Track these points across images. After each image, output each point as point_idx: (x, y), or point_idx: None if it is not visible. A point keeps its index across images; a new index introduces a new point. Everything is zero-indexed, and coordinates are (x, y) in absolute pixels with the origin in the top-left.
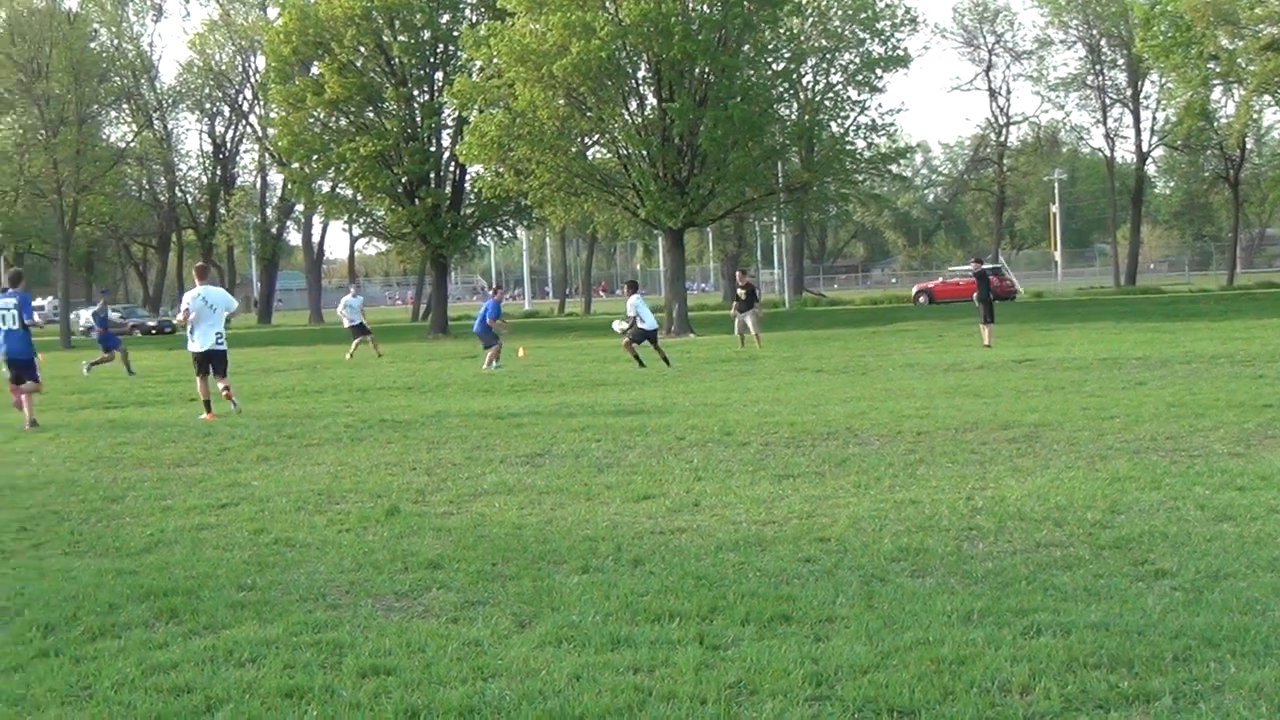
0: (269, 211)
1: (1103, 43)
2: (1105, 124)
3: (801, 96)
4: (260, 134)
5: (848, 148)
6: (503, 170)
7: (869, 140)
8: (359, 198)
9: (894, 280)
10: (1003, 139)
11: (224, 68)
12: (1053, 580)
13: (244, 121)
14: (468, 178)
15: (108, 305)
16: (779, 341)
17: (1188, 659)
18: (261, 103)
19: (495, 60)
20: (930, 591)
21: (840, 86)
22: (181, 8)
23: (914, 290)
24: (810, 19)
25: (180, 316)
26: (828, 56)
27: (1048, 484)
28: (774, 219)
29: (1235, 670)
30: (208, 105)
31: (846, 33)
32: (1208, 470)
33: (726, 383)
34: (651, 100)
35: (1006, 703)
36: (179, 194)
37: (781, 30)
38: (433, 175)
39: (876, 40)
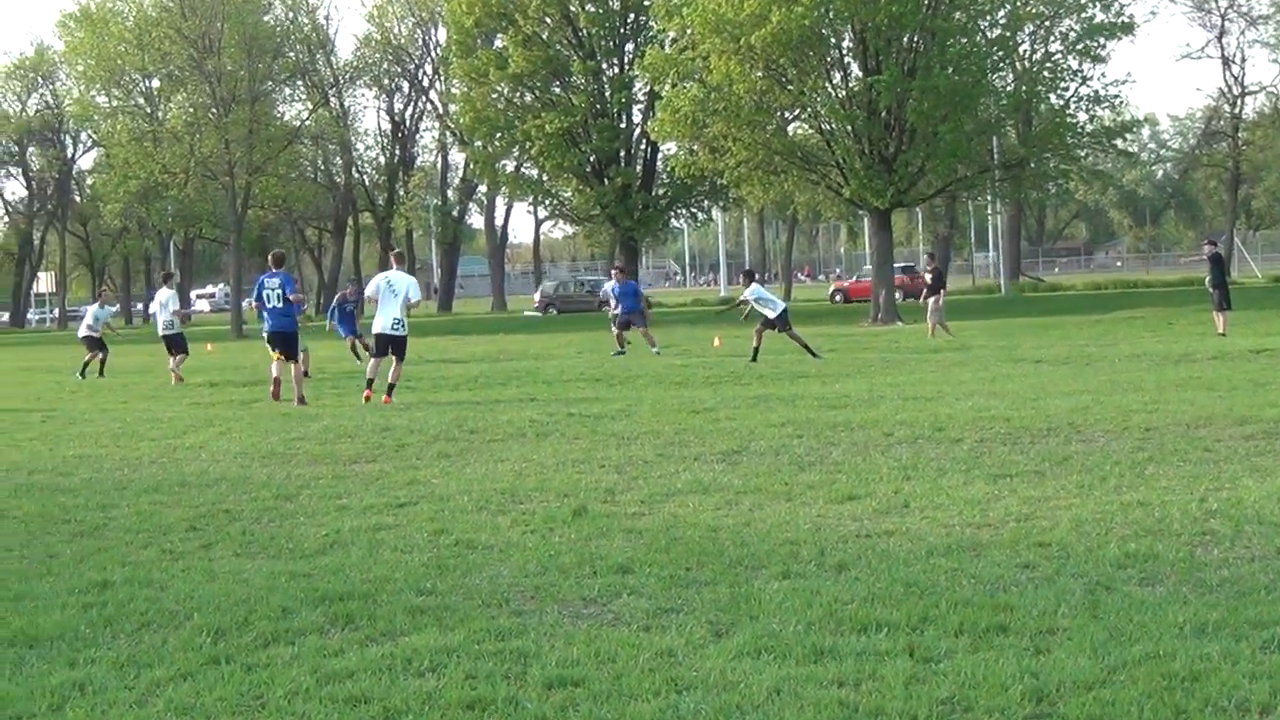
0: (450, 193)
1: None
2: None
3: (1018, 66)
4: (441, 111)
5: (1068, 121)
6: (697, 148)
7: (1091, 113)
8: (545, 178)
9: (1119, 264)
10: (1237, 111)
11: (403, 41)
12: None
13: (424, 98)
14: (660, 156)
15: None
16: (993, 330)
17: None
18: (442, 78)
19: (689, 31)
20: (1160, 601)
21: (1060, 55)
22: None
23: (831, 290)
24: None
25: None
26: (1046, 23)
27: None
28: (988, 198)
29: None
30: (386, 81)
31: None
32: None
33: (937, 374)
34: (856, 71)
35: None
36: (356, 175)
37: None
38: (623, 153)
39: (1099, 5)
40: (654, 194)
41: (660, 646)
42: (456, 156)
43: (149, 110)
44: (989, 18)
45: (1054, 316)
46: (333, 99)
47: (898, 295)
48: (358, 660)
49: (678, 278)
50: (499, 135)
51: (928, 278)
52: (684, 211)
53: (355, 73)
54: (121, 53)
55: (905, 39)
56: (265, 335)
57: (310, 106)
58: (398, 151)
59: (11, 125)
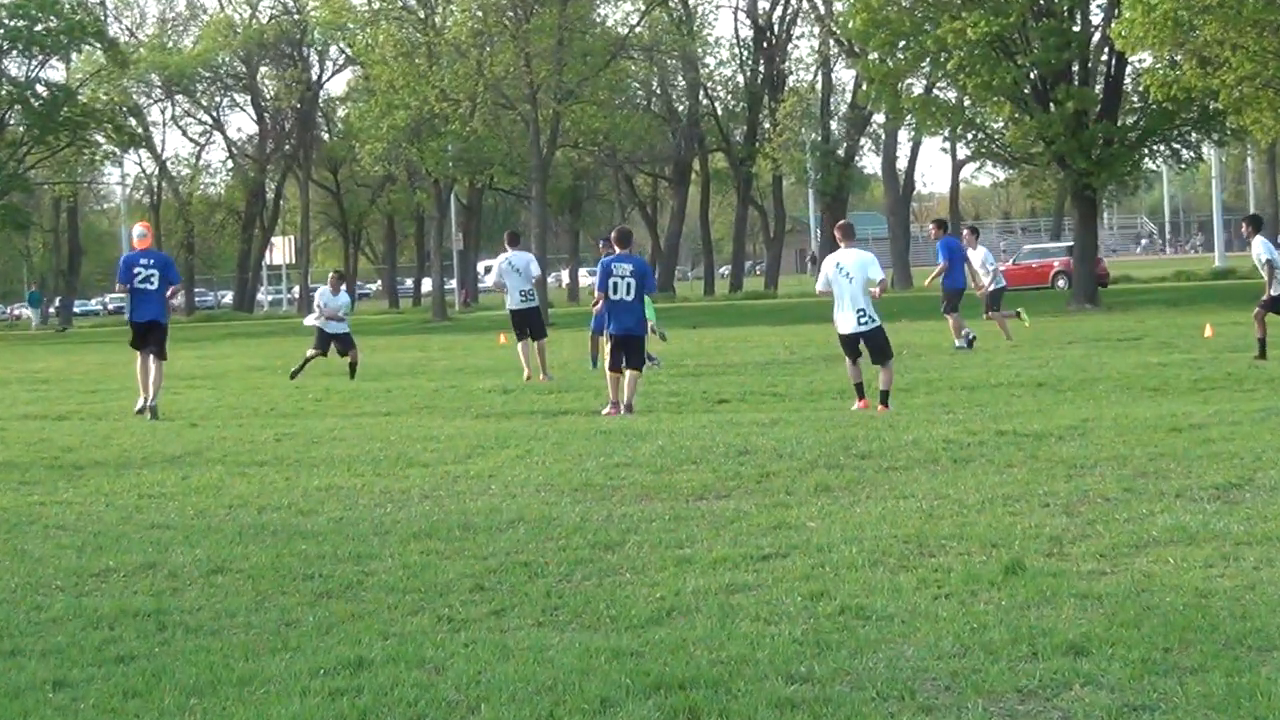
0: (833, 125)
1: None
2: None
3: None
4: (822, 11)
5: None
6: (1181, 59)
7: None
8: (966, 102)
9: None
10: None
11: None
12: None
13: None
14: (1128, 71)
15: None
16: None
17: None
18: None
19: None
20: None
21: None
22: None
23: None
24: None
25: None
26: None
27: None
28: None
29: None
30: None
31: None
32: None
33: None
34: None
35: None
36: (704, 101)
37: None
38: (1075, 68)
39: None
40: (1119, 124)
41: None
42: (843, 74)
43: (422, 15)
44: None
45: None
46: None
47: None
48: None
49: (1152, 241)
50: (903, 44)
51: None
52: (1161, 149)
53: None
54: None
55: None
56: (610, 335)
57: (642, 7)
58: (762, 68)
59: (238, 37)
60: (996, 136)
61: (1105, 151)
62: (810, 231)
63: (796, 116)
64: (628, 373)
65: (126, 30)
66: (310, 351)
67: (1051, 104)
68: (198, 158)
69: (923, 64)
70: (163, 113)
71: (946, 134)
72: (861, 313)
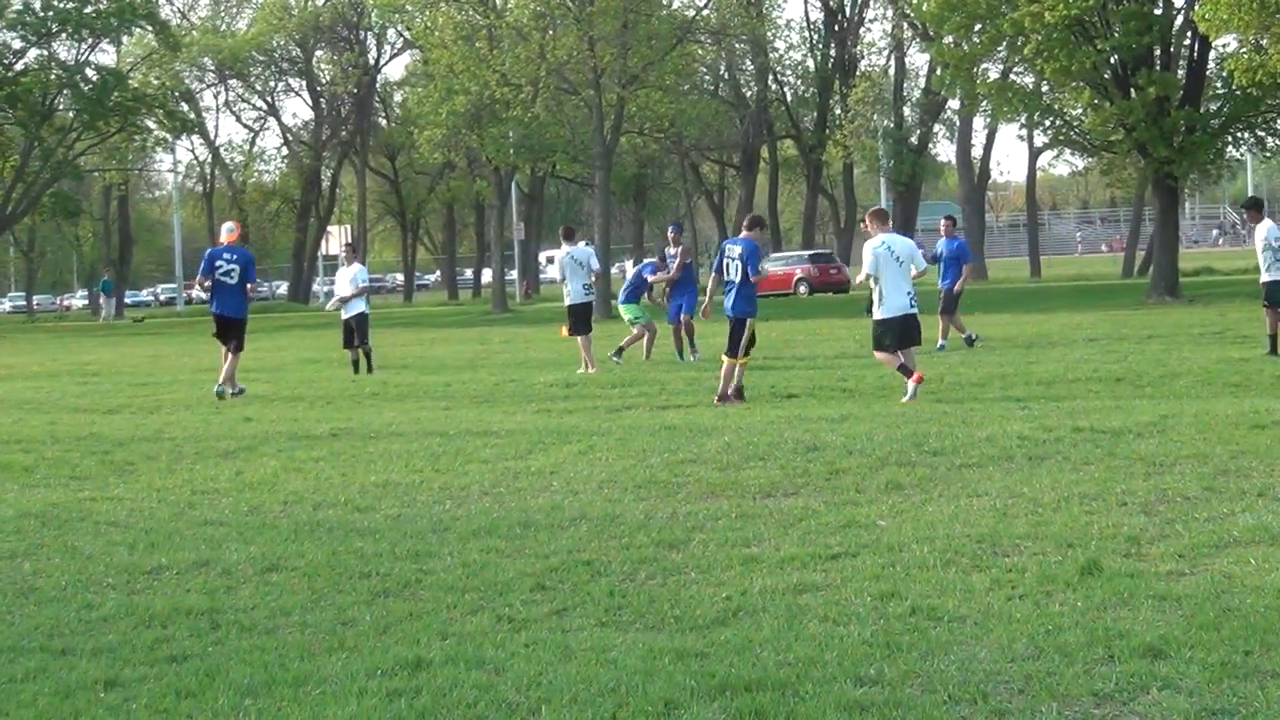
0: (906, 112)
1: None
2: None
3: None
4: None
5: None
6: (1267, 43)
7: None
8: (1044, 87)
9: None
10: None
11: None
12: None
13: None
14: (1211, 56)
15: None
16: None
17: None
18: None
19: None
20: None
21: None
22: None
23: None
24: None
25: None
26: None
27: None
28: None
29: None
30: None
31: None
32: None
33: None
34: None
35: None
36: (773, 87)
37: None
38: (1157, 52)
39: None
40: (1201, 111)
41: None
42: (917, 59)
43: None
44: None
45: None
46: None
47: None
48: None
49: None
50: (979, 27)
51: None
52: (1245, 136)
53: None
54: None
55: None
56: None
57: None
58: (833, 53)
59: (293, 20)
60: (1075, 123)
61: (1187, 139)
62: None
63: (868, 102)
64: (724, 359)
65: (178, 12)
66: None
67: (1132, 90)
68: (251, 144)
69: (999, 48)
70: (215, 98)
71: (1023, 121)
72: (910, 294)
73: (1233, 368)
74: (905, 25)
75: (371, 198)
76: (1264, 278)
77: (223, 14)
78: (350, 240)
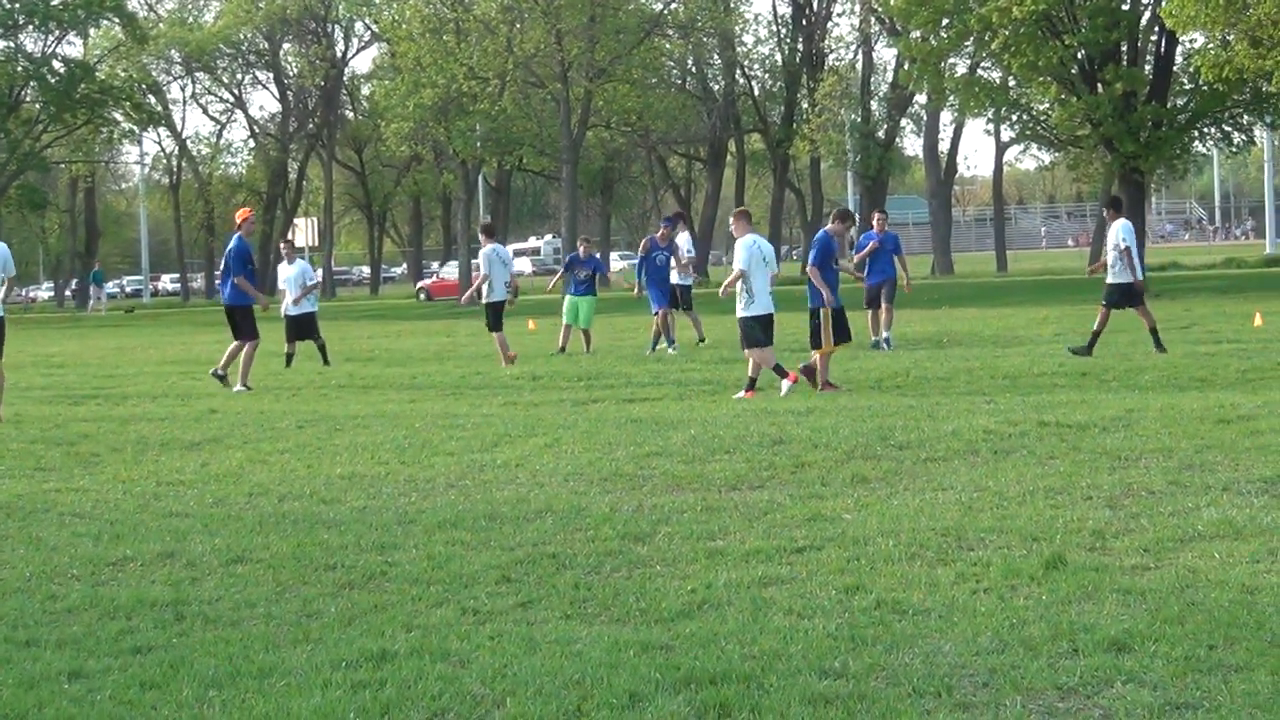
0: (874, 106)
1: None
2: None
3: None
4: None
5: None
6: (1234, 38)
7: None
8: (1011, 82)
9: None
10: None
11: None
12: None
13: None
14: (1178, 51)
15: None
16: None
17: None
18: None
19: None
20: None
21: None
22: None
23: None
24: None
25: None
26: None
27: None
28: None
29: None
30: None
31: None
32: None
33: None
34: None
35: None
36: (740, 80)
37: None
38: (1124, 48)
39: None
40: (1168, 106)
41: None
42: (885, 53)
43: None
44: None
45: None
46: None
47: None
48: None
49: (1206, 227)
50: (946, 22)
51: None
52: (1212, 131)
53: None
54: None
55: None
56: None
57: None
58: (800, 47)
59: (260, 13)
60: (1042, 118)
61: (1154, 134)
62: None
63: (836, 97)
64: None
65: (145, 5)
66: (287, 348)
67: (1099, 85)
68: (219, 137)
69: (966, 43)
70: (183, 90)
71: (990, 115)
72: (772, 294)
73: (1198, 362)
74: (873, 20)
75: (338, 190)
76: (1110, 279)
77: (190, 6)
78: (290, 236)
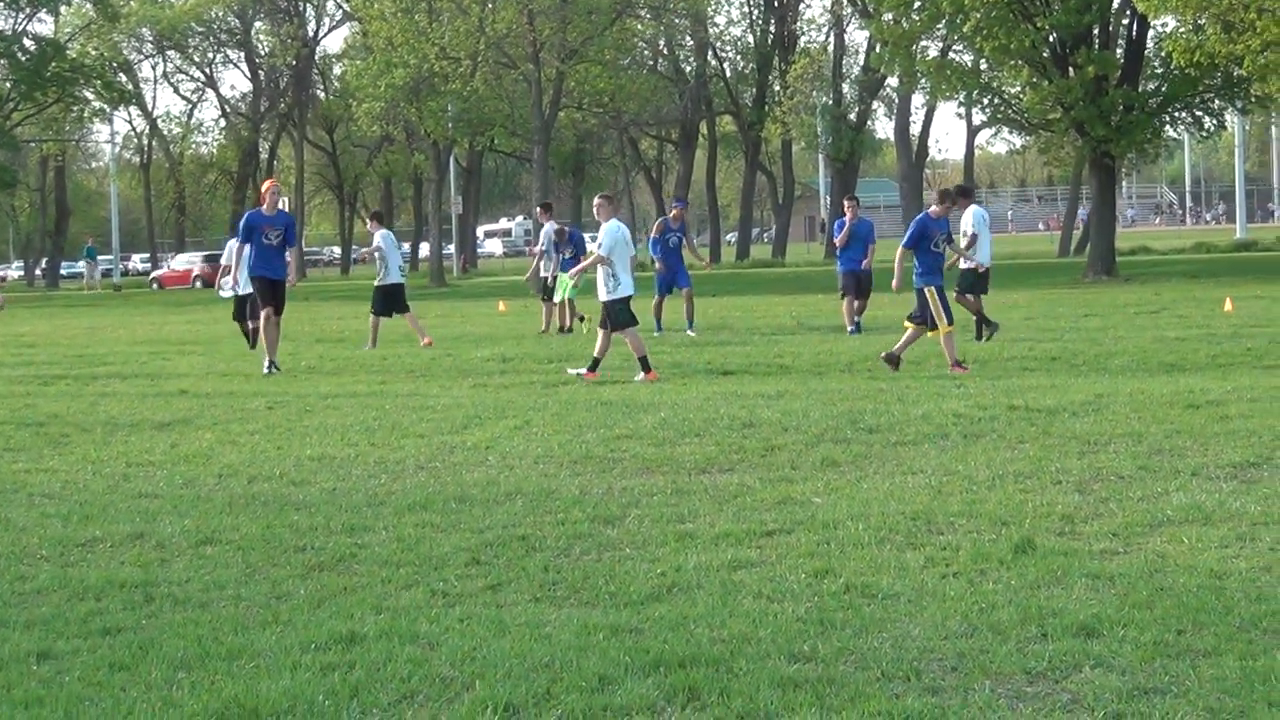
0: (845, 89)
1: None
2: None
3: None
4: None
5: None
6: (1205, 23)
7: None
8: (982, 65)
9: None
10: None
11: None
12: None
13: None
14: (1149, 36)
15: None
16: None
17: None
18: None
19: None
20: None
21: None
22: None
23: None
24: None
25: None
26: None
27: None
28: None
29: None
30: None
31: None
32: None
33: None
34: None
35: None
36: (712, 62)
37: None
38: (1096, 31)
39: None
40: (1140, 90)
41: None
42: (857, 36)
43: None
44: None
45: None
46: None
47: None
48: None
49: (1175, 212)
50: (918, 4)
51: None
52: (1183, 116)
53: None
54: None
55: None
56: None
57: None
58: (772, 29)
59: None
60: (1013, 102)
61: (1125, 118)
62: (820, 198)
63: (807, 79)
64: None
65: None
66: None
67: (1071, 68)
68: (190, 116)
69: (938, 25)
70: (154, 69)
71: (962, 98)
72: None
73: (1168, 347)
74: (845, 2)
75: (309, 170)
76: (963, 264)
77: None
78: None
